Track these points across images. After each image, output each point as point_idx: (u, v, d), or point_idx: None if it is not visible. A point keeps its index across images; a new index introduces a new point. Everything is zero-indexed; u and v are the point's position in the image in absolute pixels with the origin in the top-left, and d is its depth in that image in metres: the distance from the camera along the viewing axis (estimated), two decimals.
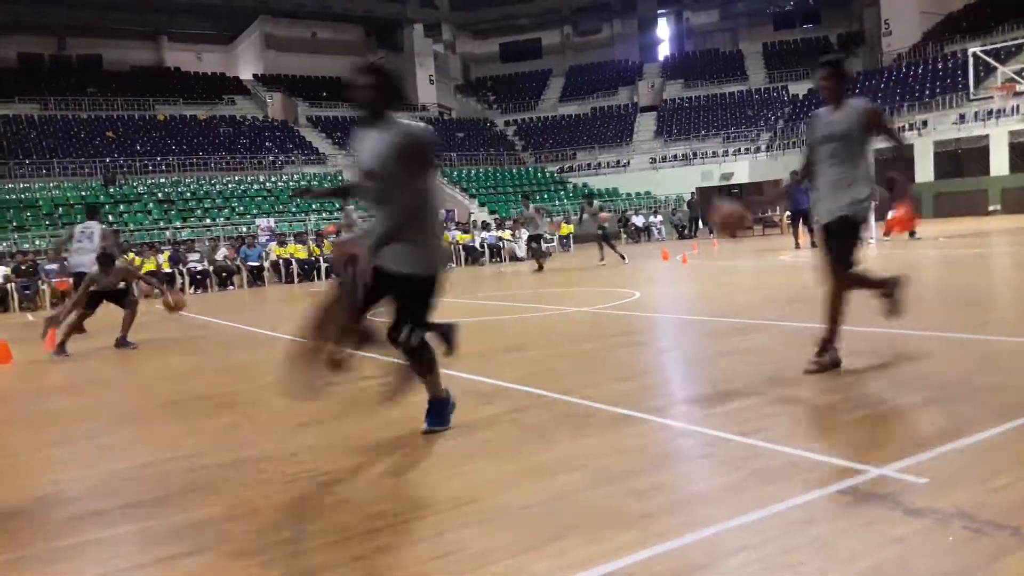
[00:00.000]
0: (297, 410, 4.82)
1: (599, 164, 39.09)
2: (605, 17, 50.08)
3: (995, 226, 20.50)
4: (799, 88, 40.73)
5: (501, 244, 24.19)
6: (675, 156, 37.99)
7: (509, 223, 26.08)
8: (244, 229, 25.50)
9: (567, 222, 29.12)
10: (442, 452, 3.67)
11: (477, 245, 23.68)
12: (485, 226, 25.98)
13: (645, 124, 42.15)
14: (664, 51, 50.86)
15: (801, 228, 17.35)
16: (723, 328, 6.95)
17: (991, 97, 22.41)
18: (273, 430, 4.38)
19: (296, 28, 44.10)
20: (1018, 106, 26.69)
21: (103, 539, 2.96)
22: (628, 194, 35.25)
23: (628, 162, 38.63)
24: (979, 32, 34.41)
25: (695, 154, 37.70)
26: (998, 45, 25.67)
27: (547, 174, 38.43)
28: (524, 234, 24.44)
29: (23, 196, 26.44)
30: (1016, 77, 21.02)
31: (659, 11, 50.61)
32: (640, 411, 4.07)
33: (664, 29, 51.54)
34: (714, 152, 37.37)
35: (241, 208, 28.30)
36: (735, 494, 2.84)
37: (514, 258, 23.65)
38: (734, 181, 35.00)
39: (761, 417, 3.80)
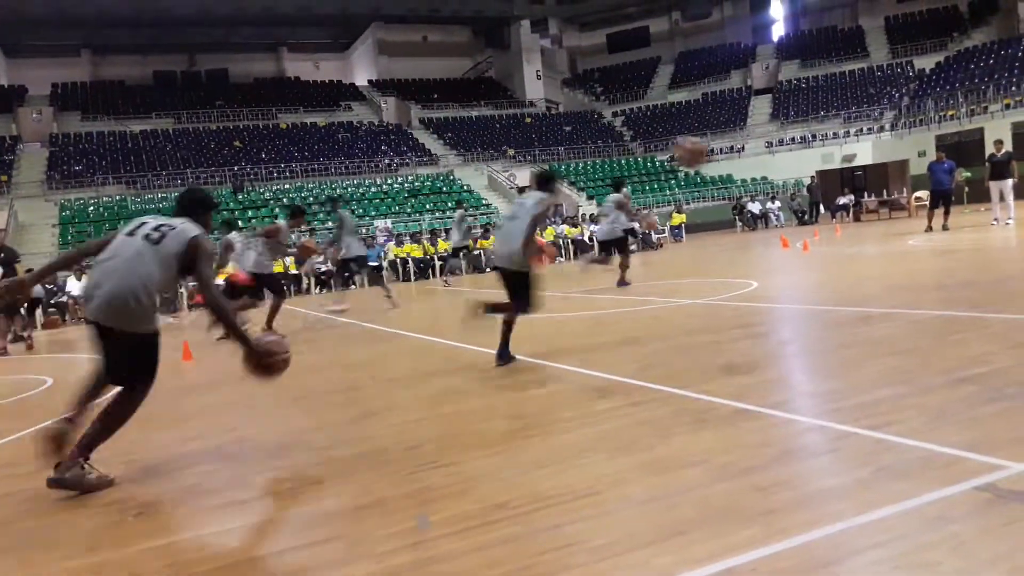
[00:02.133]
0: (418, 404, 5.00)
1: (712, 151, 38.09)
2: (715, 0, 48.77)
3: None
4: (925, 62, 38.30)
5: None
6: (792, 139, 36.57)
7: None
8: (364, 230, 26.42)
9: (678, 211, 28.60)
10: (559, 445, 3.72)
11: (586, 239, 23.61)
12: (593, 219, 25.86)
13: (760, 107, 40.76)
14: (778, 31, 48.97)
15: (937, 210, 16.39)
16: (847, 318, 6.68)
17: None
18: (396, 424, 4.55)
19: (407, 32, 45.24)
20: None
21: (246, 526, 3.17)
22: (743, 180, 34.23)
23: (743, 147, 37.49)
24: None
25: (814, 136, 36.16)
26: None
27: (656, 164, 37.84)
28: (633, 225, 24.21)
29: (162, 206, 28.33)
30: None
31: None
32: (761, 406, 3.98)
33: (778, 8, 49.63)
34: (834, 134, 35.71)
35: (360, 210, 29.32)
36: (863, 490, 2.75)
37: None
38: (857, 163, 33.34)
39: (890, 411, 3.64)
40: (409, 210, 29.39)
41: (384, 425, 4.54)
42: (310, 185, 32.20)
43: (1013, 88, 31.22)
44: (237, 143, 35.01)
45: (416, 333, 9.00)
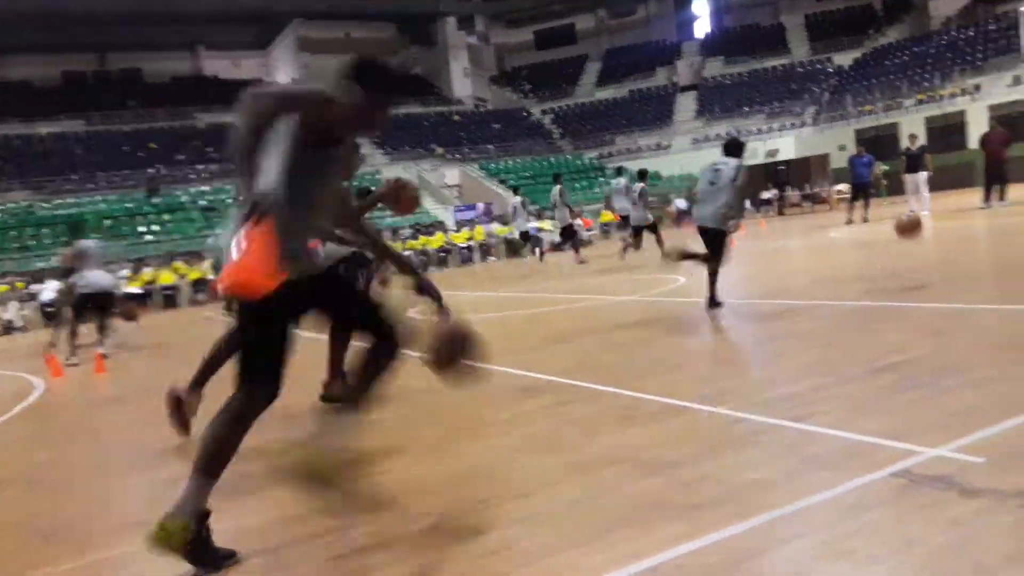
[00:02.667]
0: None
1: (639, 148, 38.67)
2: None
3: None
4: (844, 59, 39.67)
5: (541, 235, 24.12)
6: (718, 135, 37.37)
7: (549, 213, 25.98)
8: None
9: (607, 209, 28.91)
10: (486, 449, 3.68)
11: (518, 237, 23.65)
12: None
13: (685, 104, 41.55)
14: (702, 29, 49.99)
15: (857, 203, 16.95)
16: (772, 311, 6.83)
17: None
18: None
19: (329, 29, 44.48)
20: None
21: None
22: (670, 176, 34.84)
23: (669, 144, 38.15)
24: None
25: (739, 132, 37.05)
26: None
27: (586, 161, 38.20)
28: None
29: (72, 212, 27.20)
30: None
31: None
32: (688, 400, 4.01)
33: (701, 6, 50.66)
34: (758, 129, 36.66)
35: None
36: (787, 481, 2.79)
37: (557, 248, 23.57)
38: (780, 158, 34.31)
39: (812, 402, 3.72)
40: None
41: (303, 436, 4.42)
42: (230, 187, 31.39)
43: (926, 83, 32.59)
44: (152, 145, 33.87)
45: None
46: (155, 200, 28.78)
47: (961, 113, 29.31)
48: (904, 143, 17.89)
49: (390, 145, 37.68)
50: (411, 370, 5.84)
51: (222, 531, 2.74)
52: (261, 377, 2.72)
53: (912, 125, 29.34)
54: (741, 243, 15.25)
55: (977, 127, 25.12)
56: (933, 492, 2.52)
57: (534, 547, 2.51)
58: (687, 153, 36.61)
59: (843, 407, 3.58)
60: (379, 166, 35.43)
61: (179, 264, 21.25)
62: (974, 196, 17.72)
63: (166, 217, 27.07)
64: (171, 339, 11.86)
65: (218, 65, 43.77)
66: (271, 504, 3.28)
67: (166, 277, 20.09)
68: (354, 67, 2.66)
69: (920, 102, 31.60)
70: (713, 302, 7.02)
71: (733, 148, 7.39)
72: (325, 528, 2.92)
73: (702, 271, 7.25)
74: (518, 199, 17.70)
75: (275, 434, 3.76)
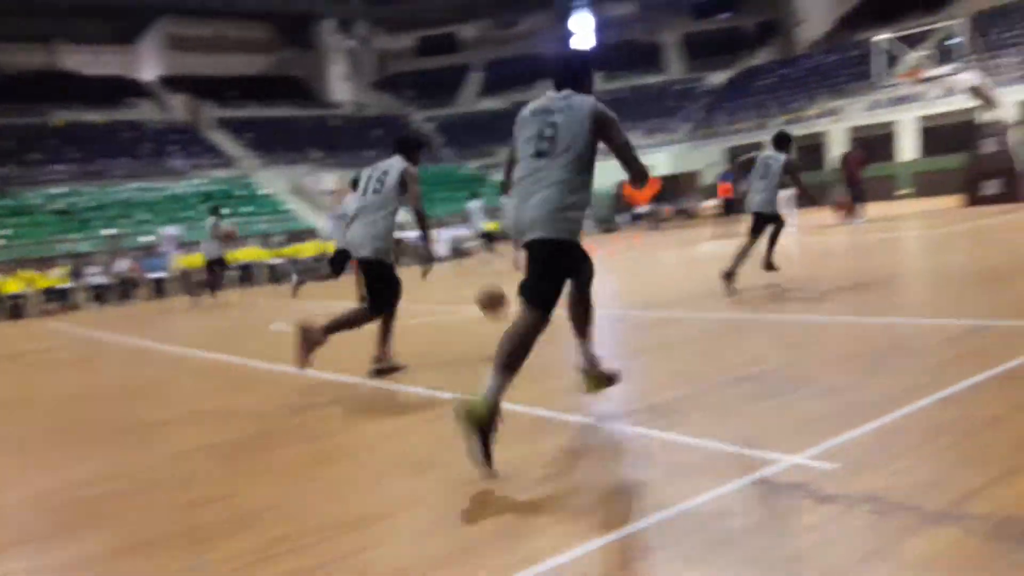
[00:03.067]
0: (198, 431, 4.62)
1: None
2: (523, 10, 50.09)
3: (905, 209, 21.37)
4: (717, 78, 41.60)
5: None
6: (597, 150, 38.32)
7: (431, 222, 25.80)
8: (149, 238, 24.56)
9: (490, 220, 29.03)
10: (350, 470, 3.55)
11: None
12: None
13: None
14: (584, 43, 51.12)
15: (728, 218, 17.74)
16: (642, 322, 7.00)
17: (899, 84, 23.36)
18: (171, 454, 4.16)
19: (201, 26, 42.62)
20: (924, 92, 27.85)
21: None
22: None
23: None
24: (888, 20, 35.72)
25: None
26: (905, 32, 26.84)
27: (469, 171, 38.30)
28: (444, 233, 24.31)
29: None
30: (921, 64, 21.92)
31: (576, 3, 50.87)
32: (560, 411, 4.03)
33: (583, 21, 51.83)
34: (636, 144, 37.80)
35: (146, 217, 27.22)
36: (652, 491, 2.83)
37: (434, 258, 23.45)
38: (656, 173, 35.46)
39: (678, 411, 3.80)
40: (202, 216, 27.70)
41: (157, 456, 4.15)
42: (88, 189, 29.47)
43: (793, 104, 34.61)
44: None
45: (204, 351, 8.38)
46: (2, 202, 26.63)
47: (825, 133, 31.31)
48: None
49: (263, 149, 36.43)
50: (273, 389, 5.63)
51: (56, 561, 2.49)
52: (551, 304, 3.53)
53: None
54: (617, 255, 15.67)
55: (837, 148, 26.87)
56: (790, 499, 2.60)
57: (398, 569, 2.43)
58: None
59: (706, 416, 3.68)
60: (249, 171, 34.19)
61: (28, 272, 19.71)
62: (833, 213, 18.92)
63: (14, 220, 25.09)
64: (16, 350, 10.95)
65: (77, 59, 41.02)
66: (117, 531, 3.02)
67: (12, 285, 18.58)
68: None
69: (788, 122, 33.53)
70: (770, 264, 8.47)
71: (781, 141, 8.49)
72: (168, 556, 2.72)
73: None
74: (477, 203, 17.88)
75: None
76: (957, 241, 11.43)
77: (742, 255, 8.01)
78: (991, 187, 18.14)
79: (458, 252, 24.04)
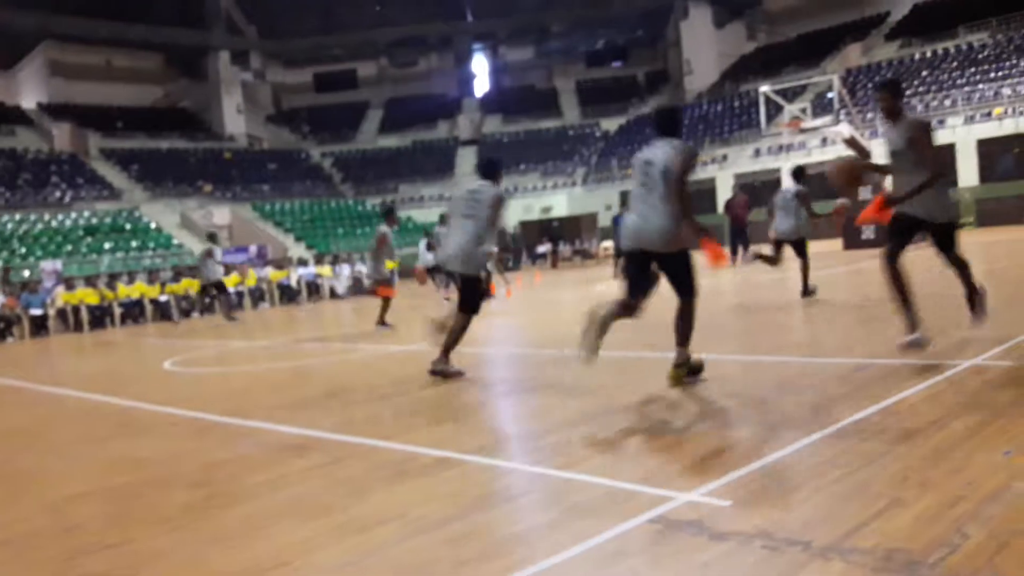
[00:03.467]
0: (83, 476, 4.33)
1: (422, 197, 39.15)
2: (422, 50, 50.57)
3: (791, 252, 22.38)
4: (610, 124, 43.02)
5: (320, 281, 23.46)
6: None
7: (329, 258, 25.41)
8: (26, 273, 23.10)
9: (391, 258, 28.74)
10: (247, 514, 3.39)
11: (293, 283, 22.81)
12: (302, 262, 25.15)
13: (466, 158, 42.78)
14: (482, 86, 52.03)
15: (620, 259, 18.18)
16: (543, 360, 7.06)
17: (781, 133, 24.81)
18: (54, 501, 3.88)
19: (87, 54, 40.95)
20: (804, 141, 29.60)
21: None
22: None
23: (451, 196, 38.93)
24: (769, 73, 37.99)
25: (516, 188, 38.70)
26: (785, 85, 28.54)
27: (369, 207, 37.96)
28: (345, 269, 23.96)
29: None
30: (800, 114, 23.36)
31: (475, 46, 51.83)
32: (460, 452, 3.98)
33: (481, 64, 52.80)
34: (534, 186, 38.55)
35: (23, 250, 25.63)
36: (551, 532, 2.82)
37: (334, 295, 23.03)
38: (553, 215, 36.20)
39: (577, 449, 3.83)
40: (85, 250, 26.33)
41: (38, 504, 3.86)
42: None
43: None
44: None
45: (87, 392, 7.90)
46: None
47: (712, 180, 32.74)
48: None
49: (151, 181, 35.08)
50: (163, 432, 5.35)
51: None
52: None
53: None
54: (518, 294, 15.80)
55: (725, 193, 28.16)
56: (686, 537, 2.64)
57: None
58: None
59: (604, 454, 3.72)
60: (138, 202, 32.83)
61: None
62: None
63: None
64: None
65: None
66: None
67: None
68: None
69: None
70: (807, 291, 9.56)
71: (798, 175, 10.00)
72: None
73: (482, 322, 7.34)
74: (424, 240, 17.81)
75: None
76: (840, 282, 12.10)
77: (807, 272, 9.65)
78: (868, 232, 19.38)
79: (359, 289, 23.69)
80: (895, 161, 5.28)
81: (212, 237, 17.69)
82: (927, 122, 5.44)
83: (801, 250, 9.72)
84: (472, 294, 6.14)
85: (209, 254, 16.22)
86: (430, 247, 15.48)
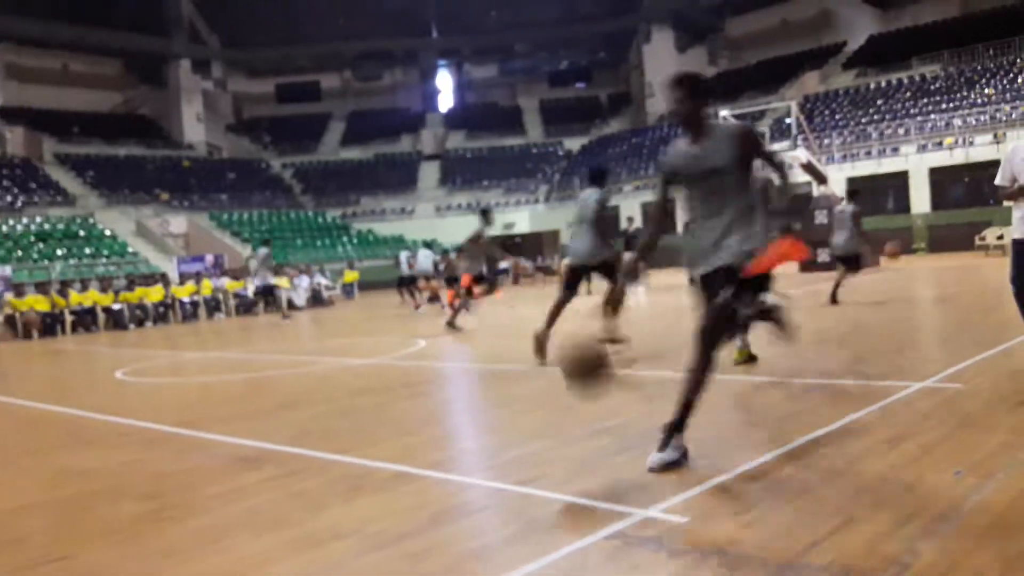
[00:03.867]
0: (29, 488, 4.20)
1: (384, 210, 38.99)
2: (387, 64, 50.54)
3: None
4: (573, 143, 43.42)
5: (277, 292, 23.14)
6: (459, 205, 38.82)
7: (290, 270, 25.10)
8: None
9: (351, 268, 28.57)
10: (198, 527, 3.31)
11: (250, 293, 22.46)
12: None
13: (429, 172, 42.77)
14: (446, 102, 52.16)
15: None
16: (504, 375, 7.05)
17: None
18: None
19: (44, 58, 40.13)
20: (762, 166, 30.18)
21: None
22: (414, 241, 35.43)
23: (413, 209, 38.88)
24: (729, 98, 38.69)
25: (478, 203, 38.75)
26: (745, 110, 29.08)
27: (329, 219, 37.67)
28: (303, 281, 23.67)
29: None
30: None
31: (440, 62, 51.99)
32: (419, 467, 3.94)
33: (445, 80, 52.95)
34: (497, 202, 38.65)
35: None
36: (510, 547, 2.80)
37: (291, 306, 22.74)
38: (516, 231, 36.31)
39: (536, 464, 3.82)
40: (36, 256, 25.67)
41: None
42: None
43: (642, 171, 36.51)
44: None
45: (33, 401, 7.67)
46: None
47: (672, 201, 33.06)
48: (623, 224, 19.80)
49: (106, 187, 34.40)
50: (113, 443, 5.21)
51: None
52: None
53: (630, 209, 32.63)
54: (479, 309, 15.73)
55: (685, 215, 28.49)
56: (644, 552, 2.65)
57: None
58: (430, 219, 37.53)
59: (564, 469, 3.71)
60: (93, 209, 32.14)
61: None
62: (682, 274, 19.92)
63: None
64: None
65: None
66: None
67: None
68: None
69: (637, 188, 35.31)
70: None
71: (853, 195, 11.80)
72: None
73: (443, 336, 7.34)
74: (427, 251, 19.80)
75: None
76: (794, 305, 12.29)
77: (839, 282, 10.90)
78: (823, 255, 19.78)
79: (317, 300, 23.45)
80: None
81: (266, 242, 18.99)
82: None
83: (853, 264, 10.97)
84: (612, 268, 7.24)
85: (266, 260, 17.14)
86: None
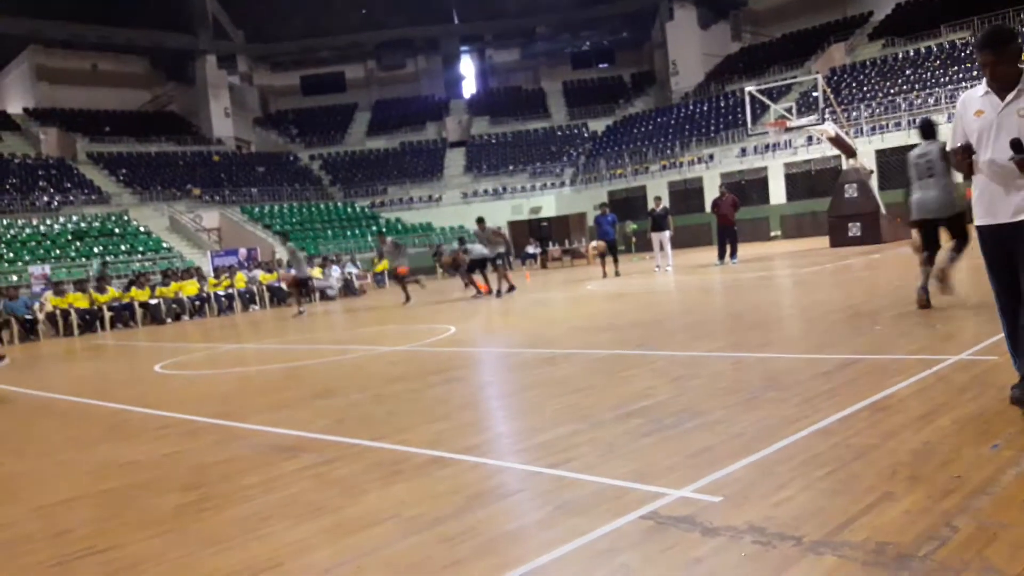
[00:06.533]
0: (73, 481, 4.31)
1: (411, 199, 39.13)
2: (409, 53, 50.58)
3: (777, 250, 22.64)
4: (598, 125, 43.14)
5: (311, 283, 23.39)
6: (485, 191, 38.83)
7: (319, 260, 25.35)
8: (15, 278, 22.97)
9: (381, 258, 28.71)
10: (239, 516, 3.39)
11: (284, 285, 22.73)
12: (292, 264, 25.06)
13: (455, 159, 42.79)
14: (469, 88, 52.09)
15: (607, 258, 18.26)
16: (533, 359, 7.07)
17: (767, 132, 24.95)
18: (43, 506, 3.86)
19: (73, 59, 40.79)
20: (790, 140, 29.72)
21: None
22: (442, 228, 35.53)
23: (440, 197, 38.97)
24: (754, 73, 38.17)
25: (504, 189, 38.74)
26: (770, 85, 28.63)
27: (358, 209, 37.90)
28: (335, 271, 23.90)
29: None
30: (786, 114, 23.45)
31: (462, 48, 51.88)
32: (453, 452, 3.99)
33: (468, 66, 52.86)
34: (522, 187, 38.59)
35: (11, 255, 25.48)
36: (544, 529, 2.83)
37: (324, 296, 22.98)
38: (543, 215, 36.23)
39: (568, 447, 3.84)
40: (73, 254, 26.18)
41: (28, 508, 3.84)
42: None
43: (668, 151, 36.18)
44: None
45: (78, 396, 7.87)
46: None
47: (699, 179, 32.82)
48: (651, 204, 19.64)
49: (139, 184, 34.93)
50: (152, 436, 5.33)
51: None
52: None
53: (657, 188, 32.40)
54: (509, 293, 15.80)
55: (712, 192, 28.27)
56: (678, 532, 2.66)
57: None
58: (457, 206, 37.59)
59: (595, 451, 3.73)
60: (127, 206, 32.67)
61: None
62: (711, 254, 19.79)
63: None
64: None
65: None
66: None
67: None
68: None
69: (664, 168, 35.00)
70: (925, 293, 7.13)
71: (929, 130, 7.44)
72: None
73: (472, 322, 7.36)
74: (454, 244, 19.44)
75: None
76: (826, 280, 12.18)
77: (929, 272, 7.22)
78: (854, 229, 19.50)
79: (349, 289, 23.65)
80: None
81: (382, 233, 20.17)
82: None
83: (958, 229, 7.10)
84: (962, 227, 6.96)
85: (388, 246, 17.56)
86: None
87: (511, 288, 15.30)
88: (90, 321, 18.40)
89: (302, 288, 17.66)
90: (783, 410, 4.13)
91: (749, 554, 2.43)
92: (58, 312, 18.31)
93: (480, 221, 16.32)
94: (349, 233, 34.33)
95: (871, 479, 2.96)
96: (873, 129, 29.01)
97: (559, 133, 43.65)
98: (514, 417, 4.94)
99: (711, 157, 33.61)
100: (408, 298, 16.10)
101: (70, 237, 27.74)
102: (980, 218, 3.66)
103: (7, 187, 31.24)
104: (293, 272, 17.30)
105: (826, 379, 4.78)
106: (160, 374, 8.85)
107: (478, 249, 16.50)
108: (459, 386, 6.30)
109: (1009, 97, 3.50)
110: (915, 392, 4.21)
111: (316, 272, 23.51)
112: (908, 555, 2.29)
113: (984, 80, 3.60)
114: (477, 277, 16.65)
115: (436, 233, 35.02)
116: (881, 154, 27.45)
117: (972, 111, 3.63)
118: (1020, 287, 3.58)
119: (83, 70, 41.41)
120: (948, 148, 4.06)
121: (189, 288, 20.29)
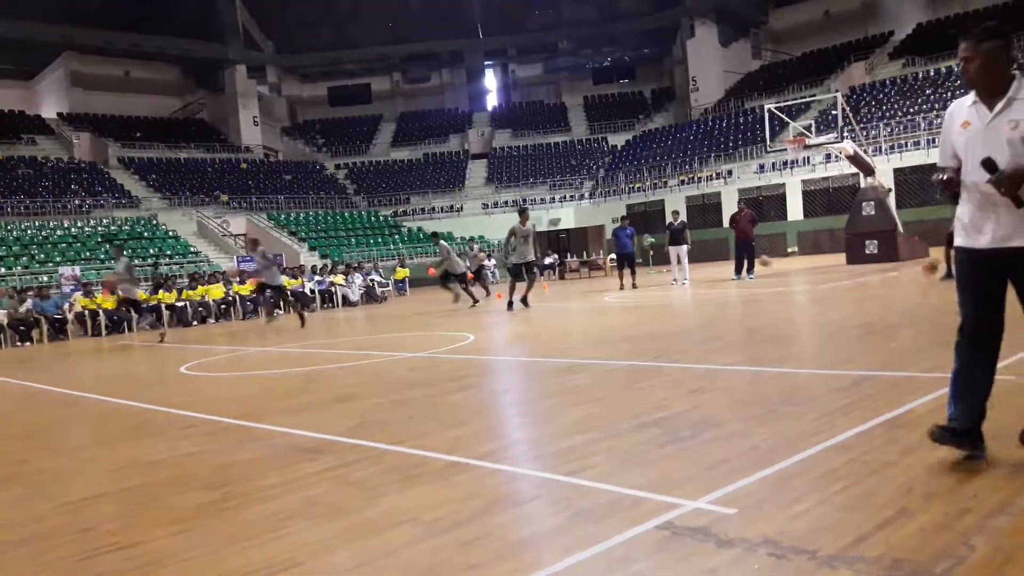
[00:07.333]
0: (99, 478, 4.40)
1: (433, 208, 39.39)
2: (434, 66, 51.05)
3: (794, 266, 22.52)
4: (617, 139, 43.27)
5: (333, 289, 23.60)
6: (506, 202, 39.00)
7: (342, 267, 25.55)
8: (45, 278, 23.37)
9: (402, 266, 28.95)
10: (259, 515, 3.45)
11: (308, 291, 22.94)
12: (316, 271, 25.30)
13: (476, 171, 43.05)
14: (492, 101, 52.43)
15: (624, 270, 18.29)
16: (551, 368, 7.10)
17: (785, 149, 24.89)
18: (70, 502, 3.95)
19: (106, 66, 41.55)
20: (808, 157, 29.62)
21: None
22: (463, 238, 35.71)
23: (462, 207, 39.20)
24: (773, 91, 38.15)
25: (524, 200, 38.89)
26: (789, 103, 28.57)
27: (381, 218, 38.19)
28: (358, 278, 24.08)
29: None
30: (804, 132, 23.41)
31: (486, 63, 52.27)
32: (471, 457, 4.03)
33: (491, 80, 53.23)
34: (542, 199, 38.71)
35: (42, 256, 25.93)
36: (560, 536, 2.85)
37: (347, 303, 23.15)
38: (561, 227, 36.32)
39: (584, 456, 3.87)
40: (103, 256, 26.60)
41: (54, 504, 3.92)
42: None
43: (687, 166, 36.17)
44: None
45: (104, 395, 8.00)
46: None
47: (717, 194, 32.77)
48: (668, 219, 19.65)
49: (168, 190, 35.45)
50: (177, 435, 5.43)
51: None
52: None
53: (675, 203, 32.39)
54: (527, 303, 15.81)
55: (730, 208, 28.19)
56: (693, 543, 2.68)
57: None
58: (478, 216, 37.78)
59: (612, 461, 3.76)
60: (156, 210, 33.16)
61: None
62: (727, 268, 19.73)
63: None
64: None
65: None
66: None
67: None
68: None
69: (682, 183, 34.99)
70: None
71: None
72: None
73: (491, 331, 7.40)
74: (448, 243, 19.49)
75: None
76: (842, 296, 12.10)
77: None
78: (871, 246, 19.37)
79: (371, 296, 23.80)
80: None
81: (440, 236, 20.01)
82: None
83: None
84: None
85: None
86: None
87: (510, 304, 14.74)
88: (118, 322, 18.56)
89: (278, 296, 17.18)
90: (799, 424, 4.13)
91: (763, 566, 2.44)
92: (87, 312, 18.60)
93: (523, 212, 15.32)
94: (372, 241, 34.60)
95: (887, 495, 2.96)
96: (892, 148, 28.86)
97: (579, 147, 43.79)
98: (531, 425, 4.97)
99: (729, 173, 33.56)
100: (475, 300, 16.86)
101: (100, 239, 28.18)
102: (962, 239, 3.35)
103: (40, 189, 31.84)
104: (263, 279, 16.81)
105: (842, 395, 4.78)
106: (185, 375, 8.97)
107: (456, 263, 17.40)
108: (477, 393, 6.34)
109: (998, 107, 3.13)
110: (932, 410, 4.19)
111: (338, 279, 23.72)
112: (924, 572, 2.29)
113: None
114: (458, 285, 17.30)
115: (457, 243, 35.19)
116: (899, 172, 27.28)
117: (959, 123, 3.28)
118: (997, 319, 3.36)
119: (116, 77, 42.15)
120: (939, 164, 3.44)
121: (215, 292, 20.54)
